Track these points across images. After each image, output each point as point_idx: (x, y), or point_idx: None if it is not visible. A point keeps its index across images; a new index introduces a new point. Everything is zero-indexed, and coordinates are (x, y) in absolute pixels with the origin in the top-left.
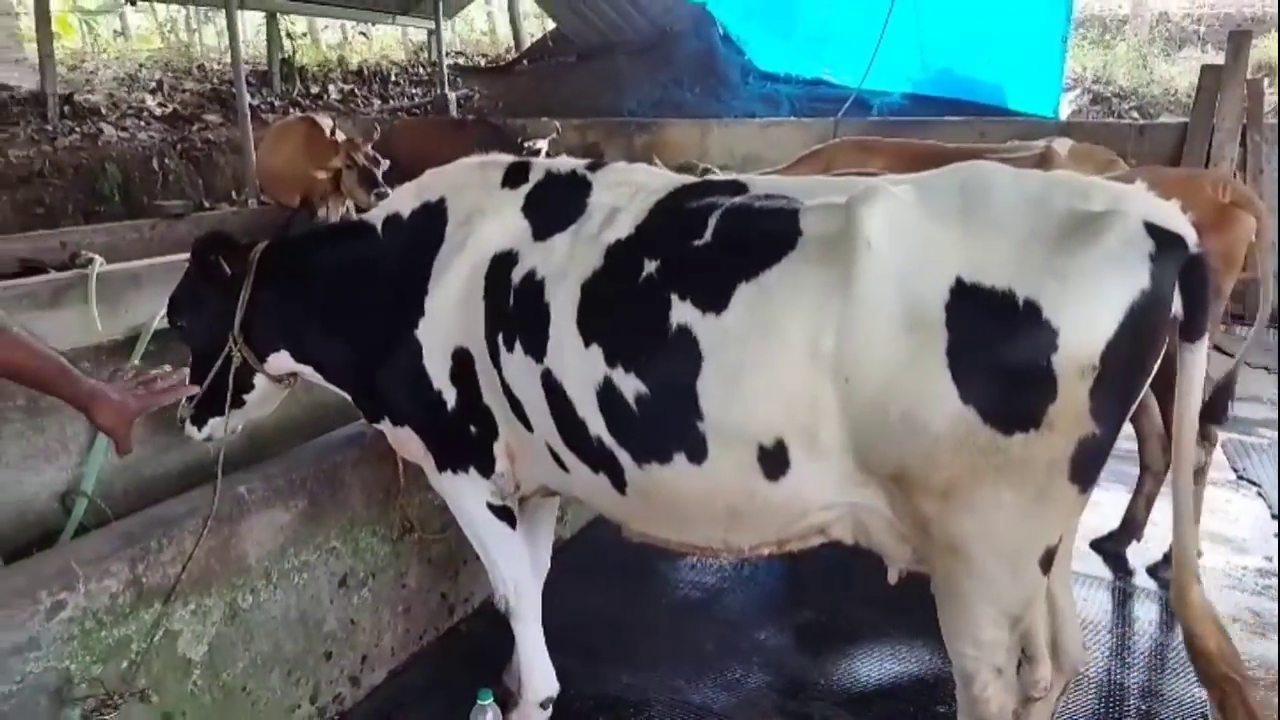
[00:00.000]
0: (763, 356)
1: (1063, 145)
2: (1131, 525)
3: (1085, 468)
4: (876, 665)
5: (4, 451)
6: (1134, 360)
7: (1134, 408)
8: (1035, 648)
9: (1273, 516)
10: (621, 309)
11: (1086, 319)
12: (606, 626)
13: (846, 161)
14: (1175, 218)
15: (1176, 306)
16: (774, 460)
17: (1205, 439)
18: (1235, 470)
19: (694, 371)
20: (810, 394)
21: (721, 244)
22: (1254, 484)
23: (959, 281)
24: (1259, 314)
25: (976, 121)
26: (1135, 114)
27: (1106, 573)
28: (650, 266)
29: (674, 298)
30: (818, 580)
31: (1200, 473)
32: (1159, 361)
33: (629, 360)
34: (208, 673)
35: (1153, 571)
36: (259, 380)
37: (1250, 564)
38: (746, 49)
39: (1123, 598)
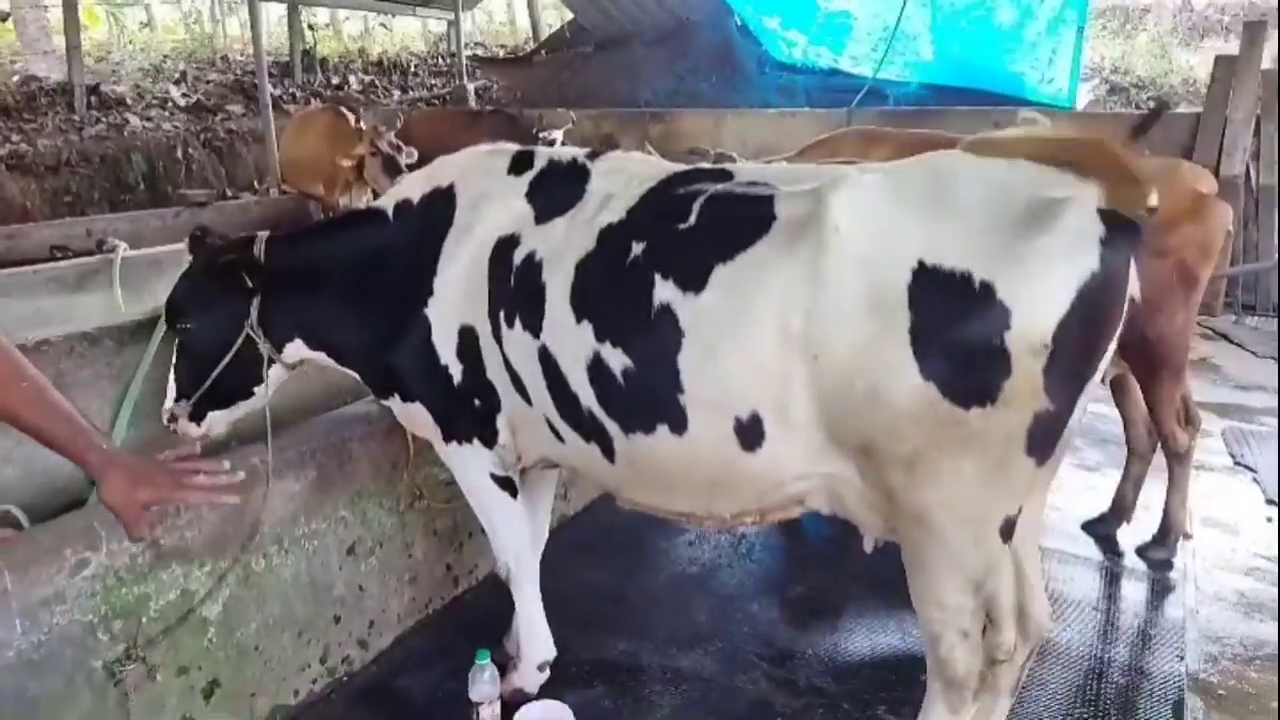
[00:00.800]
0: (737, 334)
1: None
2: (1120, 508)
3: (1042, 442)
4: (863, 637)
5: None
6: (1086, 339)
7: (1092, 385)
8: (999, 613)
9: (1268, 502)
10: (610, 288)
11: (1038, 300)
12: (605, 598)
13: (851, 151)
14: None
15: (1134, 288)
16: (750, 432)
17: (1190, 424)
18: (1233, 456)
19: (675, 347)
20: (782, 370)
21: (703, 228)
22: (1250, 470)
23: (920, 264)
24: None
25: (990, 111)
26: (1153, 104)
27: (1096, 554)
28: (637, 248)
29: (657, 277)
30: (810, 558)
31: (1186, 456)
32: (1114, 340)
33: (616, 336)
34: (222, 631)
35: (1141, 553)
36: (272, 372)
37: (1240, 546)
38: (763, 39)
39: (1111, 578)
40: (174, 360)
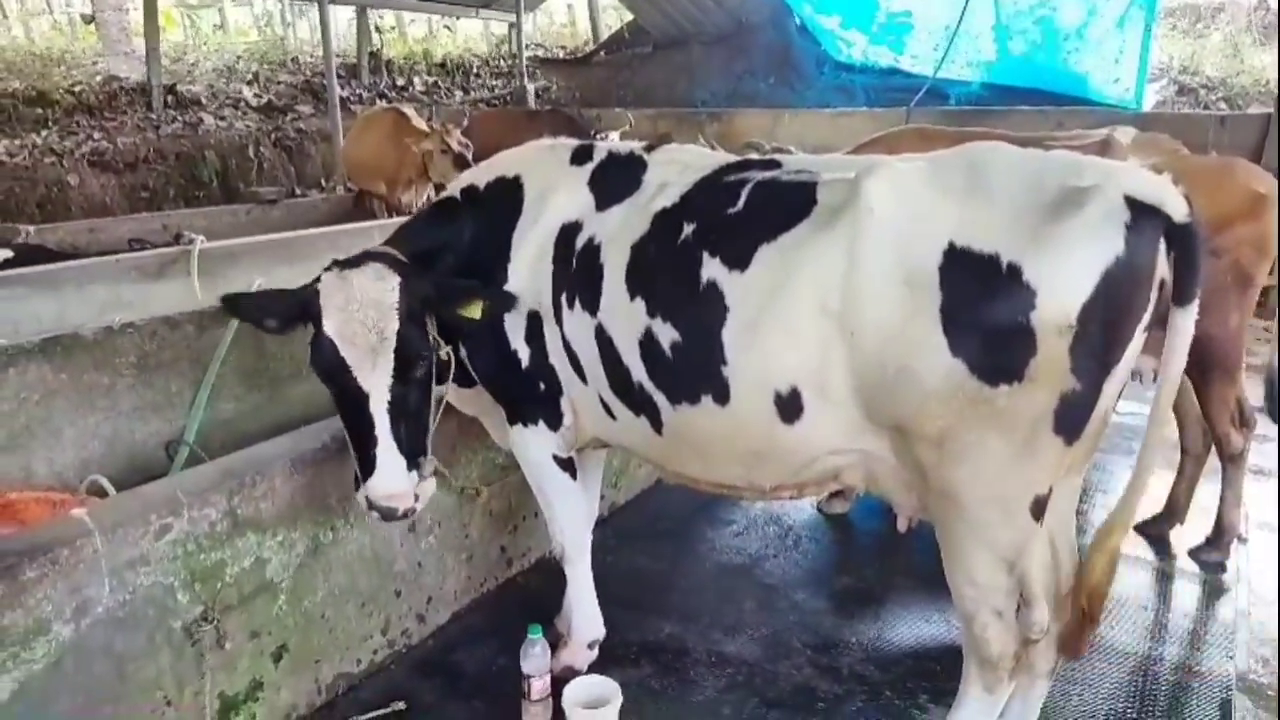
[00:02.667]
0: (778, 310)
1: (1125, 134)
2: (1174, 509)
3: (1069, 421)
4: (907, 628)
5: (117, 403)
6: (1112, 321)
7: (1121, 369)
8: (1032, 593)
9: None
10: (662, 266)
11: (1063, 281)
12: (653, 583)
13: (907, 148)
14: (1162, 191)
15: (1163, 271)
16: (789, 405)
17: (1245, 425)
18: None
19: (720, 322)
20: (820, 345)
21: (749, 211)
22: None
23: (951, 245)
24: None
25: (1052, 111)
26: (1223, 104)
27: (1149, 554)
28: (688, 229)
29: (705, 256)
30: (856, 550)
31: (1240, 458)
32: (1143, 326)
33: (666, 311)
34: (292, 598)
35: (1194, 554)
36: None
37: None
38: (822, 39)
39: (1163, 578)
40: (393, 424)
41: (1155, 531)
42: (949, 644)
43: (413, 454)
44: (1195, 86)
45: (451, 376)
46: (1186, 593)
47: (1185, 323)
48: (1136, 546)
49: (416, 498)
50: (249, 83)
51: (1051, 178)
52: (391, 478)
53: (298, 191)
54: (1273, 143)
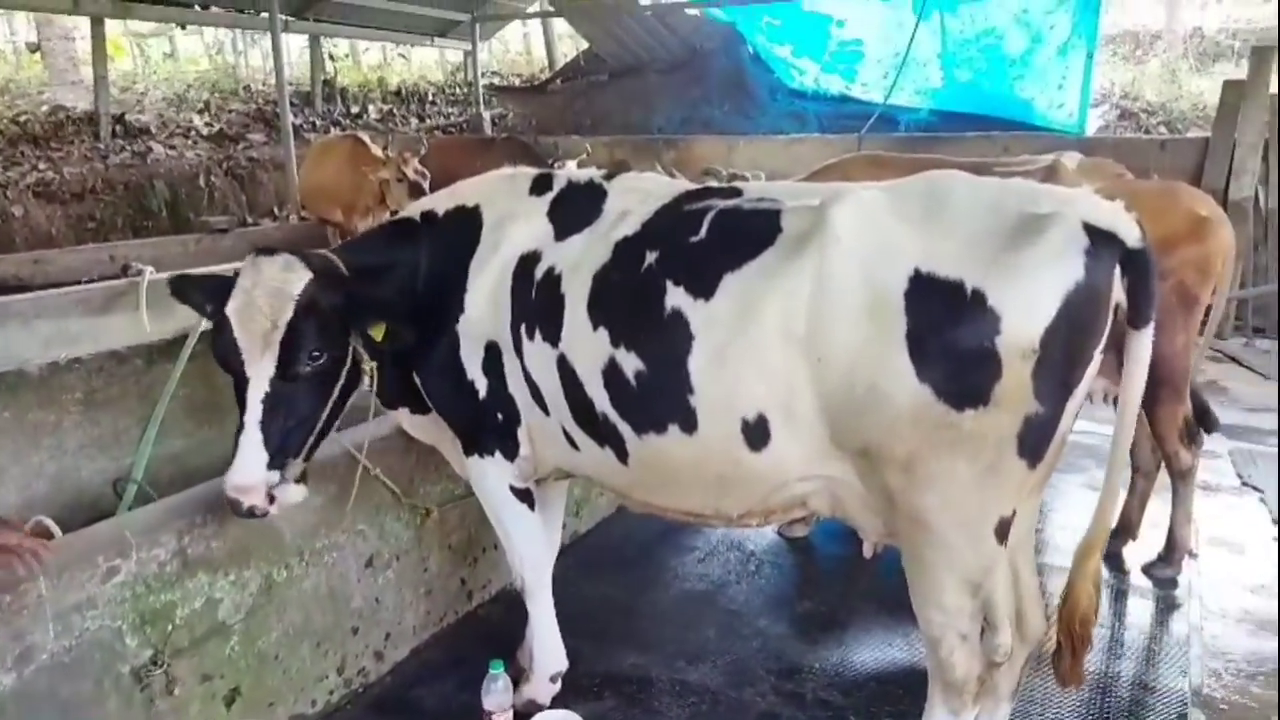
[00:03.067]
0: (745, 338)
1: (1071, 159)
2: (1126, 526)
3: (1033, 444)
4: (870, 652)
5: (63, 440)
6: (1072, 345)
7: (1080, 392)
8: (996, 616)
9: (1273, 522)
10: (625, 295)
11: (1026, 306)
12: (616, 613)
13: (860, 175)
14: (1117, 217)
15: (1119, 296)
16: (756, 432)
17: (1193, 443)
18: (1240, 477)
19: (685, 350)
20: (787, 372)
21: (712, 239)
22: (1258, 490)
23: (916, 272)
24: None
25: (999, 137)
26: (1163, 129)
27: (1103, 571)
28: (651, 258)
29: (669, 285)
30: (818, 575)
31: (1189, 474)
32: (1100, 348)
33: (630, 340)
34: (245, 639)
35: (1147, 570)
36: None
37: (1246, 565)
38: (775, 67)
39: (1117, 595)
40: (265, 416)
41: (1109, 549)
42: (912, 668)
43: (281, 453)
44: (1136, 111)
45: (375, 390)
46: (1140, 609)
47: (1142, 344)
48: None
49: (273, 500)
50: (200, 111)
51: (1011, 205)
52: (243, 470)
53: (250, 220)
54: (1213, 164)
